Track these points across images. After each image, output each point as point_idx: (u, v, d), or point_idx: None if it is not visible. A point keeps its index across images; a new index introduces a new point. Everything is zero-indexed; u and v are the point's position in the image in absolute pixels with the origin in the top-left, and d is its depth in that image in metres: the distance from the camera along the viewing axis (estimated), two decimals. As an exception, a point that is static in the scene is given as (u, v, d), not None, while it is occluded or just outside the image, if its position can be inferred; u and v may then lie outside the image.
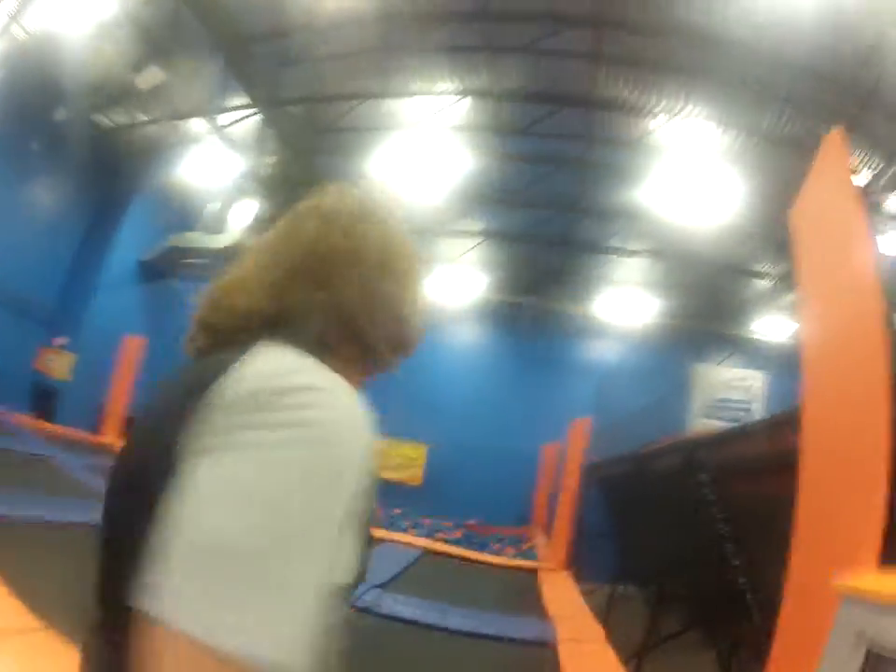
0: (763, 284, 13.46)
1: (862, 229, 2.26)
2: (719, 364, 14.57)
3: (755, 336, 14.39)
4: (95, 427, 11.40)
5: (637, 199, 10.61)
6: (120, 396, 11.51)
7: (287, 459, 0.51)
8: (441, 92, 9.57)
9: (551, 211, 11.90)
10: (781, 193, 10.34)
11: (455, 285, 13.72)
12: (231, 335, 0.70)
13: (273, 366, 0.60)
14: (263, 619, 0.47)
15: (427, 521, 12.14)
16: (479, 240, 13.27)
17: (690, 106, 9.02)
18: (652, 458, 7.69)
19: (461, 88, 9.43)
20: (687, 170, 9.40)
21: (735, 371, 14.66)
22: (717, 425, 13.91)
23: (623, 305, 13.89)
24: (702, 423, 13.93)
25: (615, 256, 13.18)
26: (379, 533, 8.54)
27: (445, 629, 4.82)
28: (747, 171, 9.62)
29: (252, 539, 0.49)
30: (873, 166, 9.09)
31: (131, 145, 12.39)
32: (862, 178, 9.07)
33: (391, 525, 10.82)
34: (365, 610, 4.68)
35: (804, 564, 2.27)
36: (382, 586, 5.59)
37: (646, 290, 13.82)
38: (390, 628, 4.56)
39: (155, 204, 12.87)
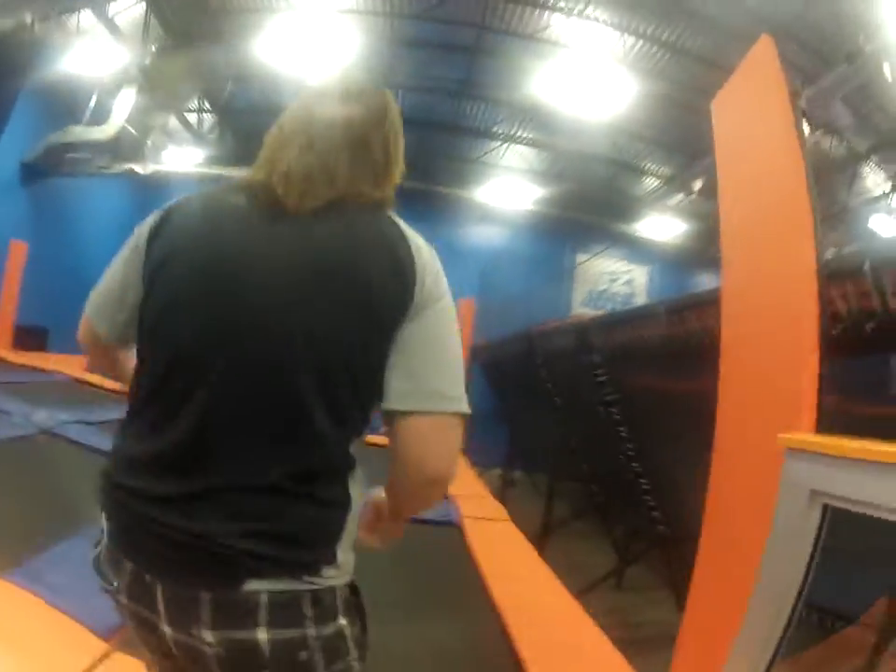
0: (650, 183, 14.05)
1: (789, 118, 2.33)
2: (601, 256, 15.32)
3: (640, 233, 15.05)
4: None
5: (528, 90, 10.60)
6: (8, 304, 10.91)
7: (452, 310, 1.03)
8: None
9: (438, 97, 11.82)
10: (677, 100, 10.78)
11: None
12: (332, 203, 1.00)
13: (418, 238, 1.04)
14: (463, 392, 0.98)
15: None
16: None
17: (591, 7, 9.06)
18: (544, 339, 7.85)
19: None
20: (581, 68, 9.48)
21: (619, 263, 15.50)
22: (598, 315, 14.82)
23: (508, 192, 14.06)
24: (583, 312, 14.79)
25: (502, 142, 13.29)
26: None
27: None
28: (643, 76, 9.87)
29: (458, 353, 1.00)
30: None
31: (11, 44, 11.00)
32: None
33: None
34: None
35: (731, 437, 2.37)
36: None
37: (532, 179, 14.08)
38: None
39: (38, 103, 11.74)
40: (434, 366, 0.97)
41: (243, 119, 12.94)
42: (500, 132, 13.00)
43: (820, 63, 8.15)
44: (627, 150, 12.65)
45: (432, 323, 0.98)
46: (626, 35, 9.46)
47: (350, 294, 0.94)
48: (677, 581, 5.58)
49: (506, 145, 13.30)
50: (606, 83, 9.54)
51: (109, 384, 9.01)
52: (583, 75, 9.45)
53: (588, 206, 14.45)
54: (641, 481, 6.06)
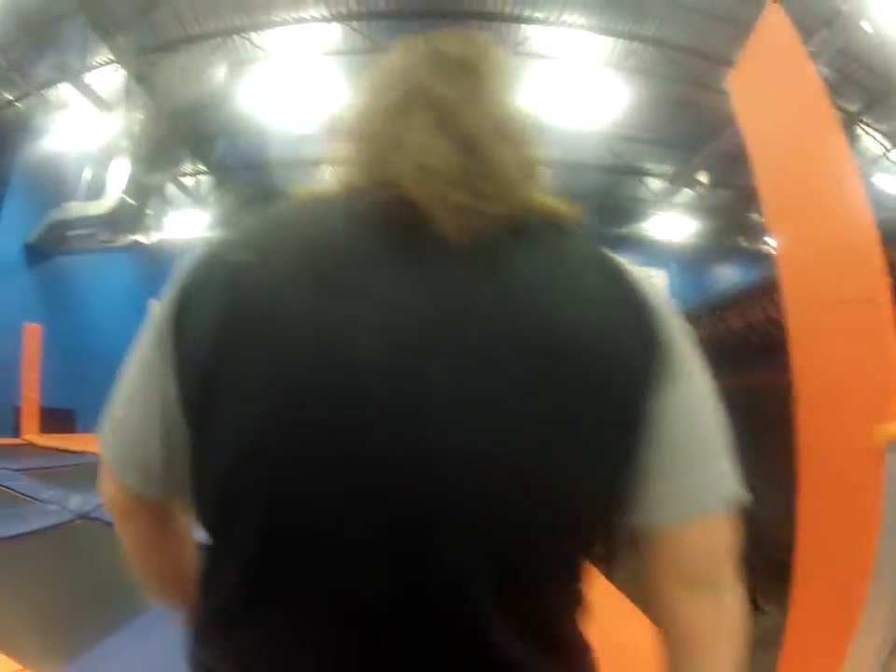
0: (654, 183, 13.78)
1: (814, 78, 2.23)
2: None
3: (652, 235, 14.71)
4: (14, 429, 10.59)
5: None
6: (30, 388, 10.75)
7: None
8: (310, 20, 9.08)
9: None
10: (667, 95, 10.60)
11: None
12: (511, 222, 0.60)
13: (638, 271, 0.66)
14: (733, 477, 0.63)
15: None
16: None
17: (566, 14, 8.94)
18: None
19: (330, 13, 8.97)
20: (566, 76, 9.35)
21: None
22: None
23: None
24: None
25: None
26: None
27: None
28: (629, 75, 9.69)
29: (720, 434, 0.64)
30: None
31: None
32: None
33: None
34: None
35: (817, 435, 2.20)
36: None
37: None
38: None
39: (34, 183, 11.87)
40: (706, 446, 0.64)
41: (238, 176, 13.01)
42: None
43: (801, 32, 7.90)
44: (626, 154, 12.38)
45: (691, 387, 0.63)
46: (606, 36, 9.32)
47: (589, 385, 0.56)
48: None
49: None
50: (593, 88, 9.41)
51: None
52: (569, 83, 9.33)
53: (596, 216, 14.20)
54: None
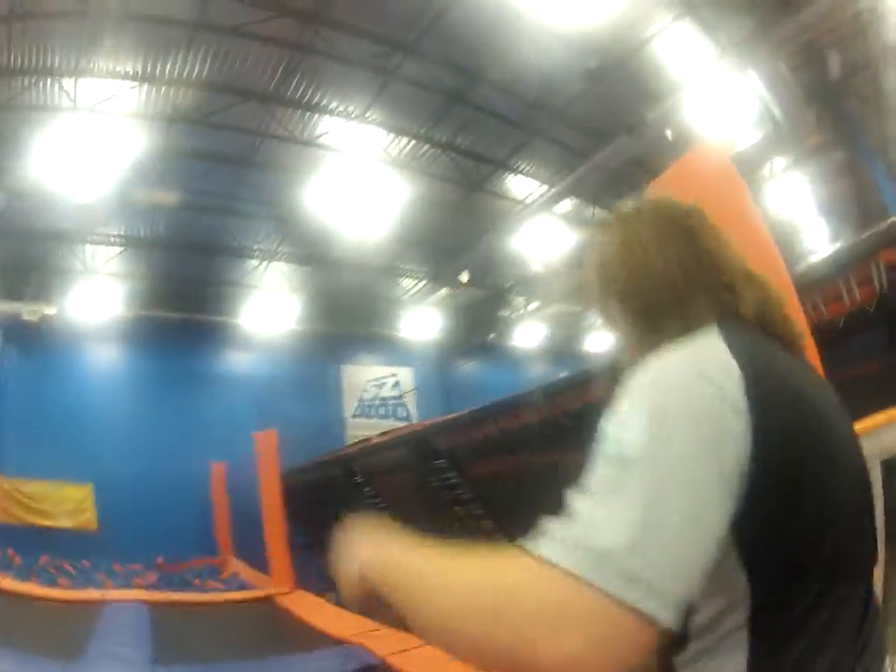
0: (411, 283, 14.49)
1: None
2: (365, 364, 15.37)
3: (399, 333, 15.22)
4: None
5: (295, 200, 10.32)
6: None
7: None
8: (112, 75, 8.00)
9: (199, 212, 10.88)
10: (444, 198, 11.35)
11: (93, 299, 11.80)
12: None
13: None
14: None
15: (118, 567, 10.49)
16: (120, 248, 11.47)
17: (369, 111, 9.18)
18: (366, 456, 8.00)
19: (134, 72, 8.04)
20: (351, 173, 9.50)
21: (383, 368, 15.61)
22: (374, 423, 14.70)
23: (267, 312, 13.33)
24: (357, 423, 14.59)
25: (262, 260, 12.68)
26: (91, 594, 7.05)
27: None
28: (411, 175, 10.16)
29: None
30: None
31: None
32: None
33: (86, 580, 9.16)
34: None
35: None
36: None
37: (293, 296, 13.55)
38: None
39: None
40: None
41: (11, 243, 10.57)
42: (261, 249, 12.34)
43: (599, 138, 9.12)
44: (390, 254, 12.75)
45: None
46: (401, 136, 9.74)
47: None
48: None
49: (265, 263, 12.68)
50: (375, 188, 9.61)
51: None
52: (353, 180, 9.46)
53: (348, 317, 14.38)
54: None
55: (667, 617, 0.61)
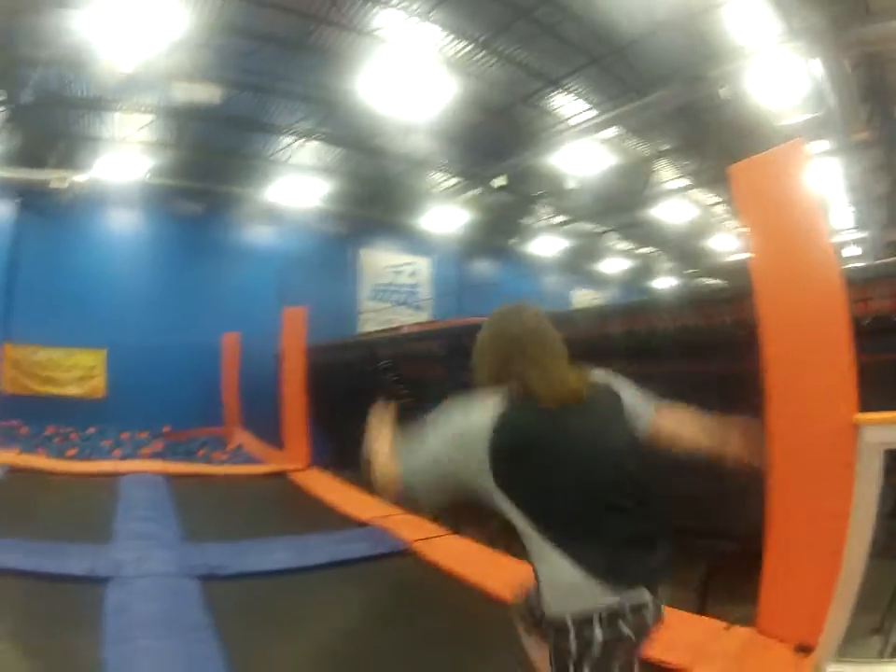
0: (438, 177, 14.05)
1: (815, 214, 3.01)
2: (384, 249, 15.16)
3: (422, 225, 15.01)
4: None
5: (338, 84, 9.89)
6: None
7: None
8: None
9: (238, 88, 10.33)
10: (489, 103, 10.83)
11: (120, 166, 11.39)
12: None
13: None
14: None
15: (125, 435, 10.69)
16: (151, 117, 10.99)
17: (433, 10, 8.62)
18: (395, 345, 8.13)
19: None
20: (402, 65, 8.94)
21: (402, 257, 15.41)
22: (388, 308, 14.70)
23: (295, 189, 13.03)
24: (370, 305, 14.59)
25: (295, 138, 12.20)
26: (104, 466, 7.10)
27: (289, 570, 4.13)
28: (462, 77, 9.68)
29: None
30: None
31: None
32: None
33: (93, 450, 9.37)
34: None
35: (787, 423, 2.87)
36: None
37: (319, 174, 13.15)
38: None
39: None
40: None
41: (33, 113, 10.05)
42: (297, 127, 11.83)
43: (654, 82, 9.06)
44: (427, 147, 12.36)
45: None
46: (460, 39, 9.29)
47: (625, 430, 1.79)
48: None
49: (299, 141, 12.18)
50: (424, 82, 9.11)
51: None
52: (403, 72, 8.91)
53: (374, 202, 14.09)
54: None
55: (416, 495, 1.68)
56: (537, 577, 1.57)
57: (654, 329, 4.57)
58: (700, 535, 4.23)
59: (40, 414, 10.86)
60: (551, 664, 1.57)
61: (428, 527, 5.09)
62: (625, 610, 1.50)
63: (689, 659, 2.71)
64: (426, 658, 2.97)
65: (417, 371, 7.65)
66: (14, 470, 6.56)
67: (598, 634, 1.47)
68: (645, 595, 1.54)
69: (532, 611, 1.81)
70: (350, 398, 9.40)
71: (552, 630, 1.54)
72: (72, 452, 9.10)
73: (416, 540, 4.66)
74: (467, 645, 3.08)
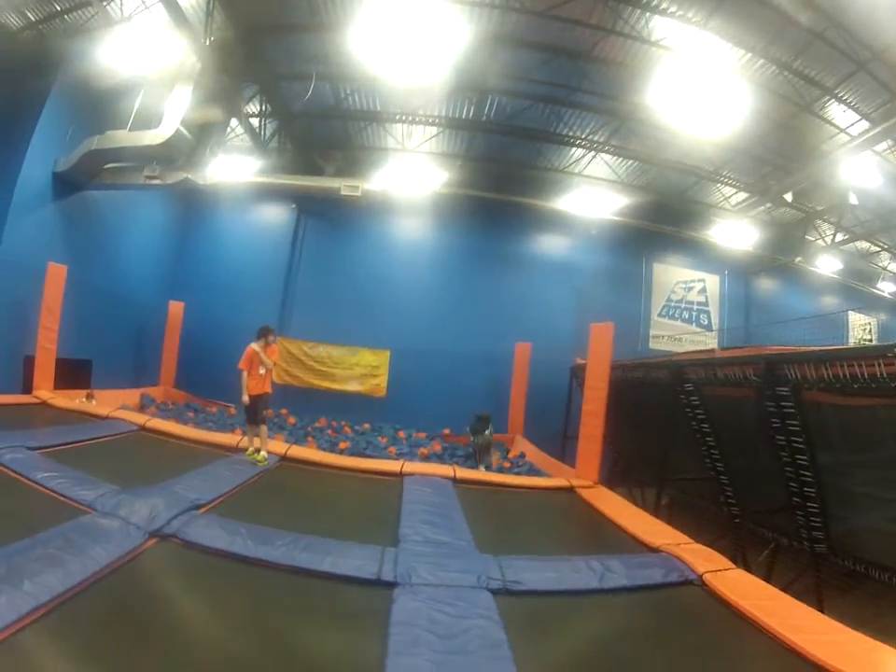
0: (727, 191, 13.52)
1: None
2: (674, 265, 14.85)
3: (711, 239, 14.63)
4: (25, 384, 9.52)
5: (628, 96, 10.10)
6: (48, 339, 9.52)
7: None
8: None
9: (530, 102, 11.02)
10: (774, 114, 10.40)
11: (415, 176, 12.25)
12: None
13: None
14: None
15: (401, 434, 11.62)
16: (439, 129, 12.21)
17: (710, 19, 8.74)
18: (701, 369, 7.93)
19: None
20: (688, 76, 8.92)
21: (692, 272, 15.01)
22: (678, 326, 14.42)
23: (587, 201, 13.30)
24: (660, 322, 14.38)
25: (586, 150, 12.60)
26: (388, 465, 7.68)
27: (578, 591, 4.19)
28: (747, 87, 9.40)
29: None
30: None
31: (37, 37, 9.96)
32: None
33: (368, 445, 10.21)
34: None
35: None
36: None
37: (613, 189, 13.39)
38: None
39: (72, 105, 10.41)
40: None
41: (306, 124, 12.03)
42: (587, 140, 12.37)
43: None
44: (718, 161, 12.25)
45: None
46: (738, 48, 9.25)
47: None
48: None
49: (591, 153, 12.59)
50: (716, 95, 8.97)
51: (184, 432, 8.16)
52: (694, 85, 8.89)
53: (666, 216, 13.95)
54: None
55: None
56: None
57: None
58: None
59: (305, 406, 11.91)
60: None
61: (718, 559, 5.06)
62: None
63: None
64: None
65: (723, 396, 7.51)
66: (285, 459, 7.36)
67: None
68: None
69: None
70: (644, 416, 9.46)
71: None
72: (344, 445, 9.60)
73: (707, 572, 4.66)
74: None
